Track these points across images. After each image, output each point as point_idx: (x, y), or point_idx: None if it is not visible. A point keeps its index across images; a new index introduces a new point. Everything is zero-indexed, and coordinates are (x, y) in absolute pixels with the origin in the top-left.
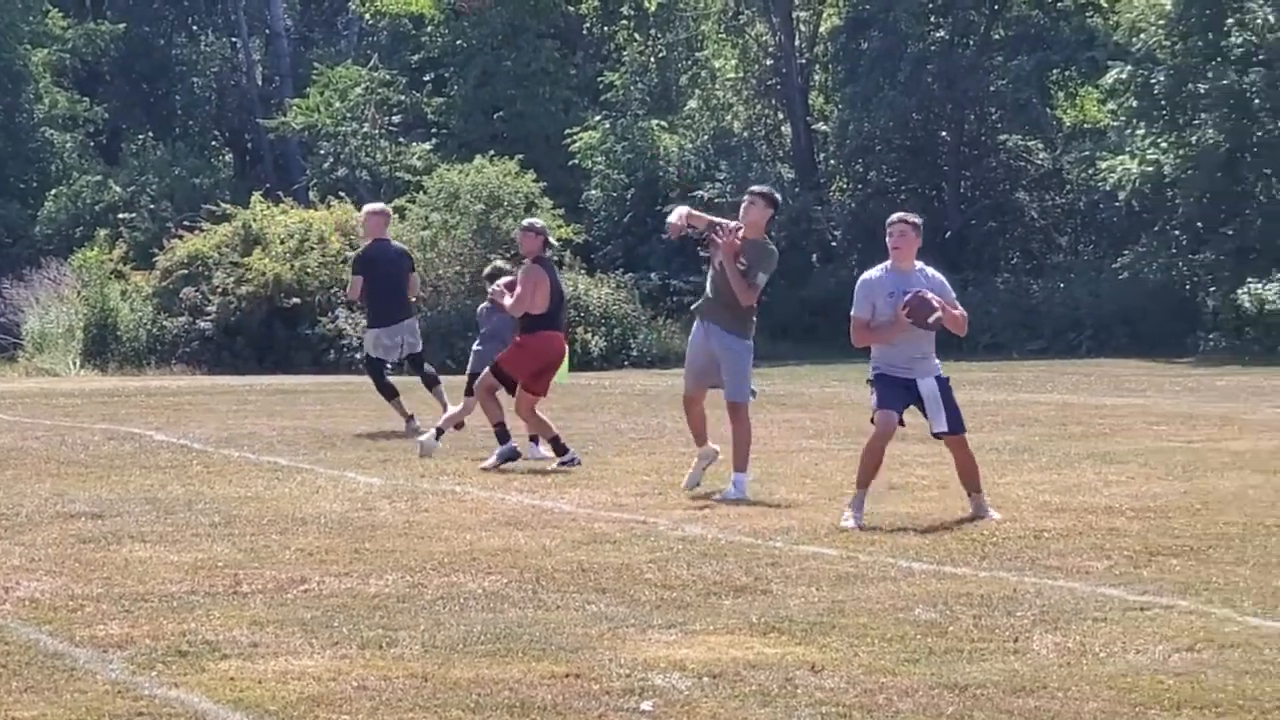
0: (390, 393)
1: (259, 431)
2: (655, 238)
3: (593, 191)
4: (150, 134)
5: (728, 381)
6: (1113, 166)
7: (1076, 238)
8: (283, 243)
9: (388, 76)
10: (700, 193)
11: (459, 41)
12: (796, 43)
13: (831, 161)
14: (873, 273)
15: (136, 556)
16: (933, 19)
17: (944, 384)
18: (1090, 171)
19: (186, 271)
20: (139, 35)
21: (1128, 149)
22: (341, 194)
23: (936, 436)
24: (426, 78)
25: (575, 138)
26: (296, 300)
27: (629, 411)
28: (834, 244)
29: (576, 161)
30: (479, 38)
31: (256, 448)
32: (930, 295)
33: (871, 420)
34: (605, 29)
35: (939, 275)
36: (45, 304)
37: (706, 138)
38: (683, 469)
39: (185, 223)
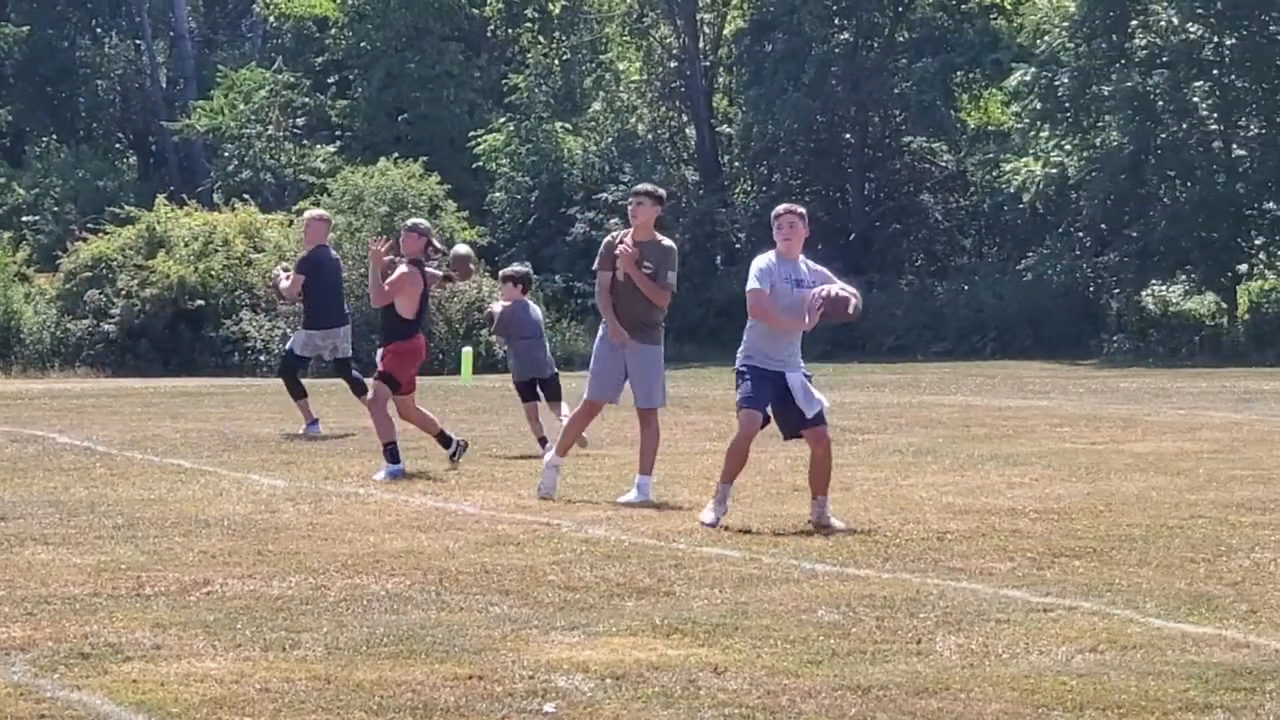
0: (300, 393)
1: (163, 434)
2: (559, 240)
3: (497, 194)
4: (54, 136)
5: (640, 389)
6: (1017, 169)
7: (981, 240)
8: (187, 245)
9: (292, 79)
10: (604, 195)
11: (363, 44)
12: (701, 45)
13: (736, 164)
14: (765, 257)
15: (39, 559)
16: (837, 21)
17: (809, 379)
18: (994, 174)
19: (91, 274)
20: (42, 37)
21: (1031, 151)
22: (246, 196)
23: (797, 435)
24: (330, 80)
25: (479, 140)
26: (201, 303)
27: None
28: (738, 246)
29: (481, 164)
30: (383, 40)
31: (160, 450)
32: (836, 290)
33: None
34: (509, 31)
35: (820, 266)
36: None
37: (611, 140)
38: (585, 471)
39: (89, 225)
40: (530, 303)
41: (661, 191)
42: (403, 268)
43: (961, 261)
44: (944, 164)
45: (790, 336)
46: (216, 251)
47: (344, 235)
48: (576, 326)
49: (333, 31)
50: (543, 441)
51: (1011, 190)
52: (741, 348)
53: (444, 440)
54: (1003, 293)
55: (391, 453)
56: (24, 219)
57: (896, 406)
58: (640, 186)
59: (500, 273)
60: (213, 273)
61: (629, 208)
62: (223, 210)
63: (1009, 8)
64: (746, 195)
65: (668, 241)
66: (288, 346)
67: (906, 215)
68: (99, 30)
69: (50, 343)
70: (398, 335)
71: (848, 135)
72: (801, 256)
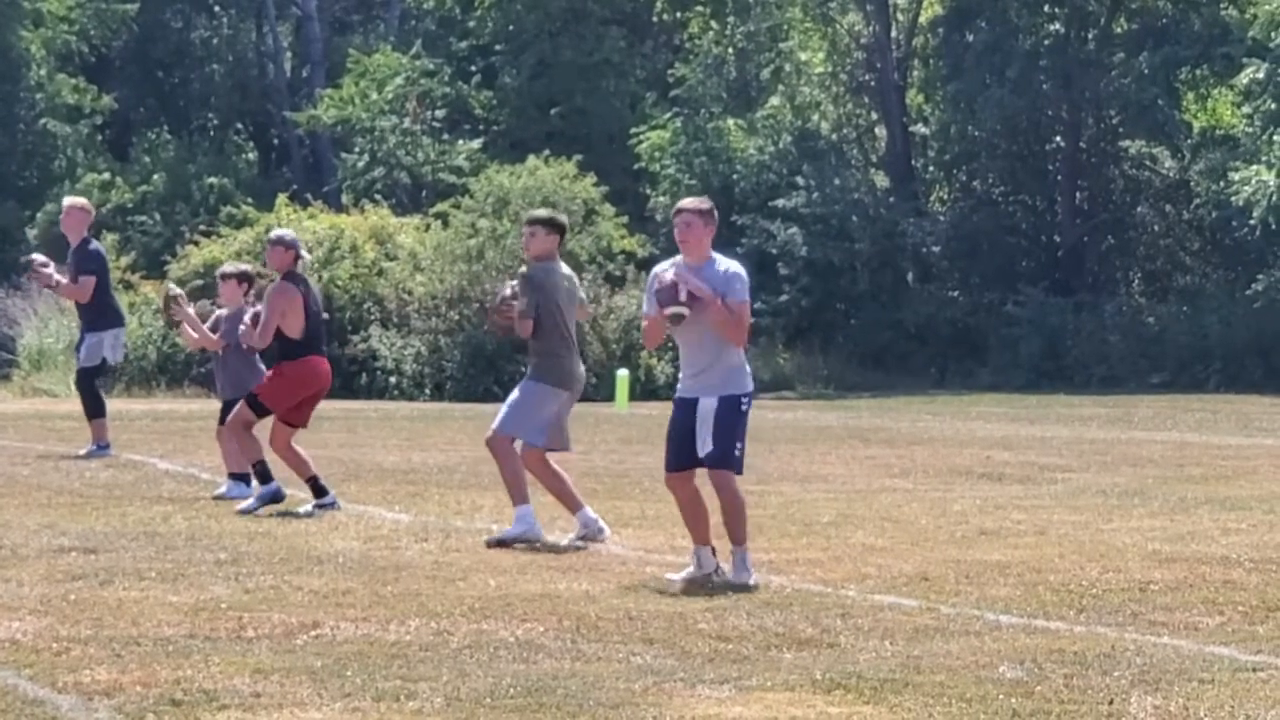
0: (102, 409)
1: (275, 462)
2: (730, 252)
3: (660, 198)
4: (164, 128)
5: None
6: (1246, 178)
7: (1205, 258)
8: (310, 251)
9: (431, 66)
10: (781, 202)
11: (512, 27)
12: (893, 34)
13: (931, 169)
14: (662, 265)
15: (130, 596)
16: (1047, 9)
17: (729, 405)
18: (1222, 184)
19: (202, 282)
20: (153, 17)
21: (1264, 158)
22: (377, 197)
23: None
24: (475, 68)
25: (642, 137)
26: (325, 316)
27: None
28: (932, 261)
29: (643, 164)
30: (534, 23)
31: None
32: (692, 285)
33: None
34: (677, 15)
35: (735, 269)
36: (44, 317)
37: (789, 140)
38: (751, 508)
39: (201, 227)
40: None
41: (563, 219)
42: (273, 283)
43: (1184, 282)
44: (1165, 171)
45: (690, 353)
46: (344, 258)
47: (488, 242)
48: (751, 349)
49: (478, 13)
50: None
51: (1240, 203)
52: None
53: (317, 489)
54: (1230, 319)
55: (262, 473)
56: (129, 219)
57: (1103, 443)
58: (535, 213)
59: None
60: (339, 282)
61: (523, 237)
62: (351, 212)
63: None
64: (942, 204)
65: (568, 271)
66: (89, 358)
67: (1122, 229)
68: (216, 9)
69: (156, 358)
70: (283, 355)
71: (1057, 138)
72: (717, 257)
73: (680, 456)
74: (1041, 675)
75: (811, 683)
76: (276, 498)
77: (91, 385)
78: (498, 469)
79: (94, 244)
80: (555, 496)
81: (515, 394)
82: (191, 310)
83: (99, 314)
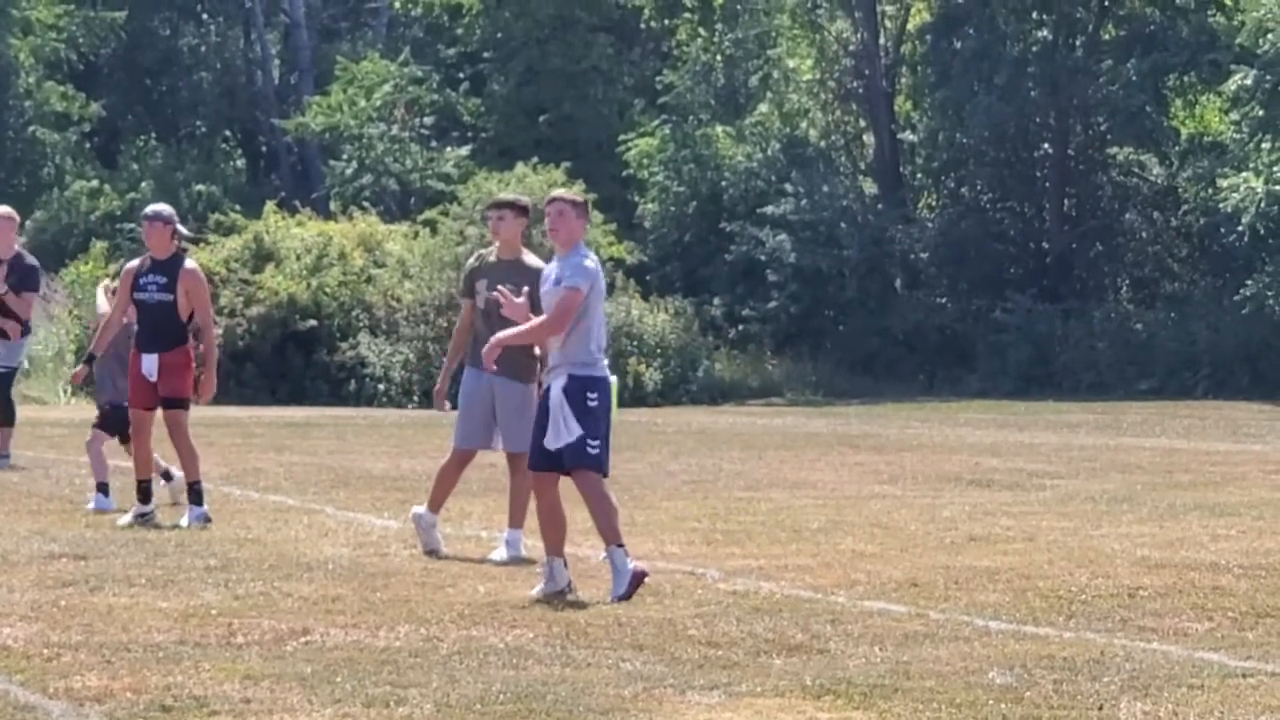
0: (12, 417)
1: (265, 468)
2: (719, 259)
3: (649, 205)
4: (152, 135)
5: (509, 431)
6: (1235, 185)
7: (1193, 265)
8: (299, 258)
9: (419, 73)
10: (770, 209)
11: (500, 34)
12: (881, 40)
13: (919, 176)
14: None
15: (120, 603)
16: (1035, 15)
17: (571, 391)
18: (1210, 190)
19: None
20: (141, 25)
21: (1252, 165)
22: (365, 204)
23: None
24: (463, 75)
25: (630, 144)
26: (313, 323)
27: (681, 451)
28: (920, 268)
29: (631, 171)
30: (522, 30)
31: (261, 486)
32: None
33: None
34: (665, 22)
35: (544, 265)
36: (33, 325)
37: (778, 147)
38: (741, 515)
39: (190, 235)
40: None
41: (525, 201)
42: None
43: (1171, 289)
44: (1153, 178)
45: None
46: (332, 265)
47: (477, 249)
48: (738, 355)
49: (466, 20)
50: None
51: (1228, 209)
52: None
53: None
54: (1218, 325)
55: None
56: (118, 227)
57: (1092, 449)
58: (500, 197)
59: None
60: (327, 290)
61: (489, 223)
62: (339, 219)
63: (1229, 3)
64: (930, 211)
65: (535, 261)
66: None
67: (1110, 236)
68: (204, 16)
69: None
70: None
71: (1045, 145)
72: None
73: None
74: (1031, 681)
75: (801, 689)
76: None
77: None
78: (514, 489)
79: (29, 256)
80: (513, 502)
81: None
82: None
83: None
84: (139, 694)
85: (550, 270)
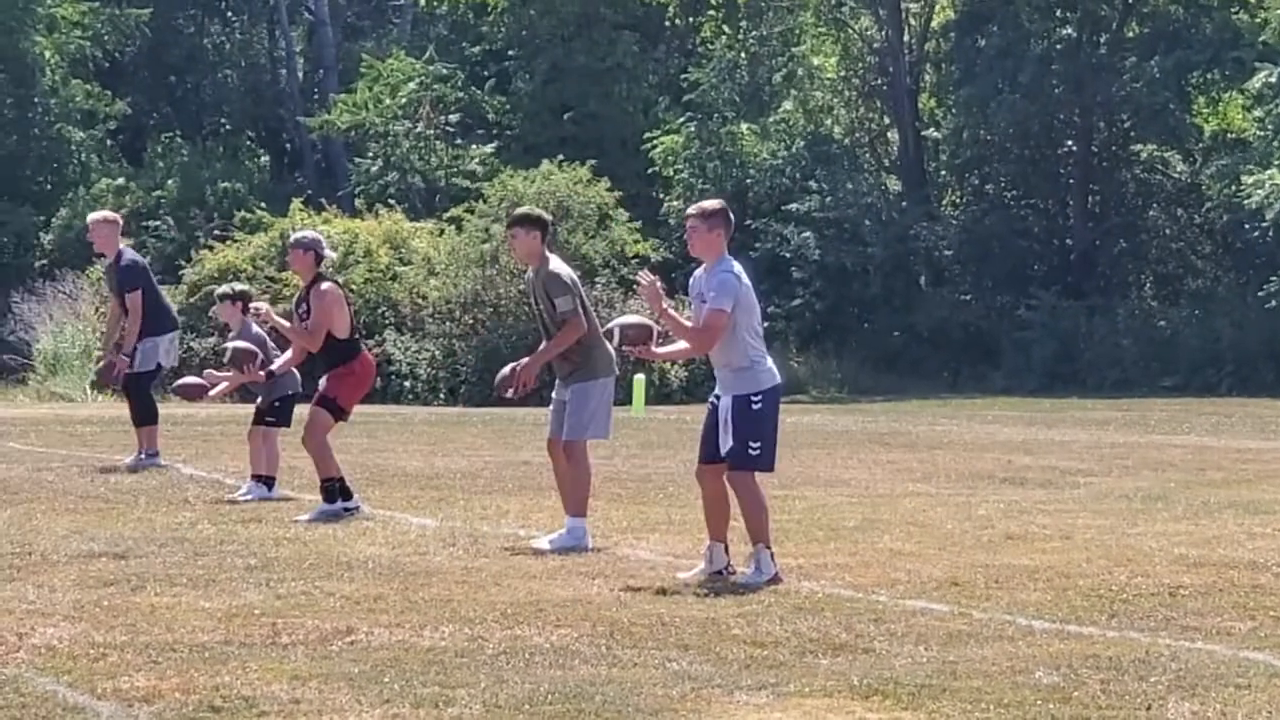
0: (154, 415)
1: (299, 466)
2: (744, 256)
3: (674, 202)
4: (178, 132)
5: (570, 421)
6: (1259, 181)
7: (1217, 262)
8: (335, 248)
9: (445, 70)
10: (795, 206)
11: (525, 32)
12: (905, 38)
13: (943, 172)
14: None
15: (163, 602)
16: (1059, 13)
17: (740, 404)
18: (1233, 187)
19: (217, 287)
20: (166, 22)
21: (1275, 162)
22: (391, 202)
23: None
24: (488, 72)
25: (655, 142)
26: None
27: None
28: (944, 265)
29: (656, 169)
30: (547, 28)
31: (296, 484)
32: (651, 301)
33: None
34: (690, 20)
35: (721, 277)
36: (59, 321)
37: (802, 144)
38: (776, 513)
39: (216, 232)
40: None
41: (537, 213)
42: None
43: (1195, 286)
44: (1177, 175)
45: (713, 353)
46: (358, 263)
47: (501, 247)
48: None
49: (491, 18)
50: None
51: (1252, 206)
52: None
53: (333, 492)
54: (1242, 322)
55: (329, 490)
56: (144, 224)
57: (1123, 447)
58: (513, 214)
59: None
60: (353, 287)
61: (508, 245)
62: (365, 217)
63: (1252, 1)
64: (954, 208)
65: (554, 267)
66: (143, 364)
67: (1134, 233)
68: (229, 14)
69: (177, 361)
70: (342, 356)
71: (1069, 142)
72: (728, 261)
73: (706, 450)
74: (1078, 680)
75: (849, 688)
76: (336, 517)
77: (145, 391)
78: (570, 475)
79: (128, 255)
80: (564, 491)
81: (579, 398)
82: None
83: (152, 318)
84: (187, 694)
85: (697, 282)
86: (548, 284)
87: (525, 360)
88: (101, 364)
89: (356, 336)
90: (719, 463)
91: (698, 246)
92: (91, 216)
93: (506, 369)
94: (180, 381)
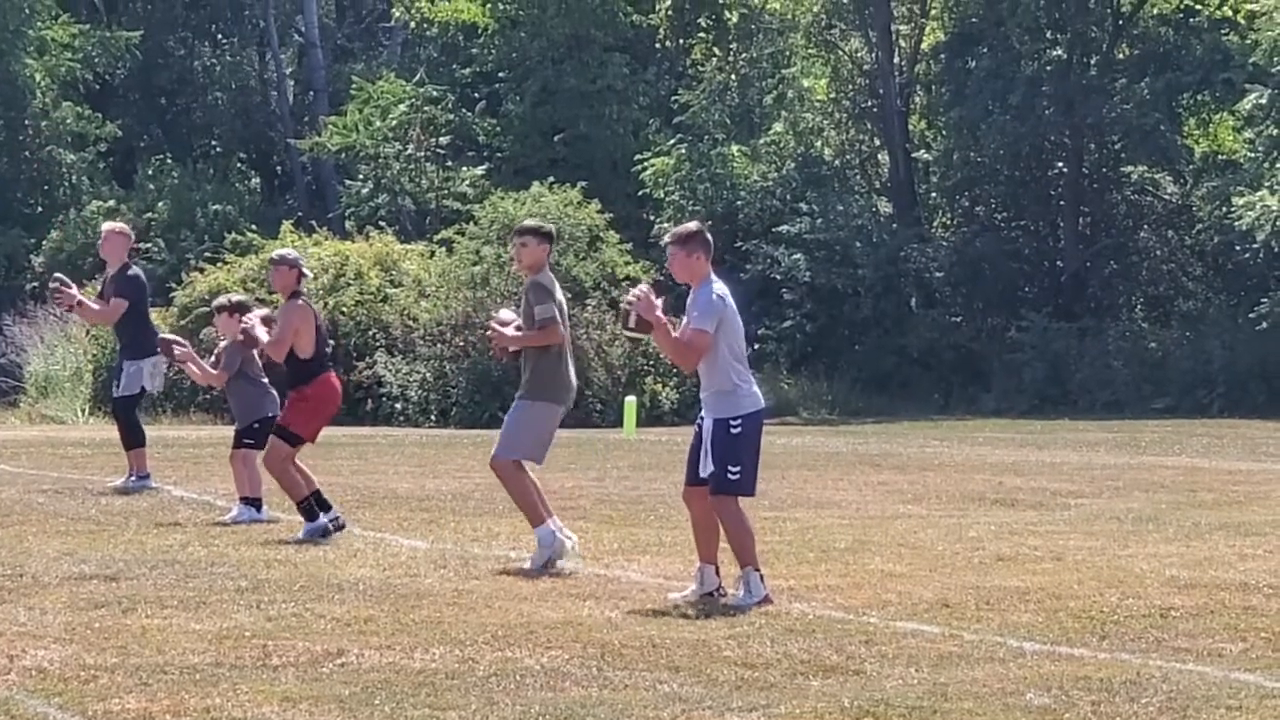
0: (141, 438)
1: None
2: (735, 277)
3: (665, 224)
4: (168, 155)
5: (500, 437)
6: (1250, 203)
7: (1208, 283)
8: (315, 278)
9: (435, 93)
10: (785, 227)
11: (515, 54)
12: (896, 60)
13: (933, 194)
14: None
15: (154, 624)
16: (1049, 35)
17: (719, 428)
18: (1224, 209)
19: (207, 309)
20: (157, 45)
21: (1266, 184)
22: (382, 224)
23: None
24: (478, 95)
25: (646, 164)
26: (331, 343)
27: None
28: (935, 286)
29: (647, 190)
30: (538, 50)
31: (286, 506)
32: (640, 309)
33: None
34: (680, 42)
35: (706, 297)
36: (50, 344)
37: (792, 166)
38: (767, 535)
39: (206, 254)
40: None
41: (549, 228)
42: (284, 302)
43: (1186, 307)
44: (1167, 197)
45: (699, 374)
46: (348, 285)
47: (492, 269)
48: (754, 375)
49: (481, 40)
50: None
51: (1243, 227)
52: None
53: (312, 509)
54: (1233, 343)
55: (307, 509)
56: (134, 247)
57: (1113, 468)
58: (525, 223)
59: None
60: (344, 309)
61: (513, 248)
62: (356, 239)
63: (1242, 22)
64: (945, 229)
65: (543, 278)
66: (128, 387)
67: (1125, 254)
68: (219, 37)
69: (162, 385)
70: (301, 379)
71: (1060, 163)
72: (713, 281)
73: (691, 473)
74: (1069, 702)
75: (840, 710)
76: (325, 533)
77: (131, 414)
78: (508, 494)
79: (134, 269)
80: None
81: (514, 415)
82: (188, 346)
83: (137, 341)
84: (178, 716)
85: (690, 302)
86: (533, 290)
87: (509, 330)
88: (54, 287)
89: (325, 360)
90: (703, 485)
91: (681, 273)
92: (106, 225)
93: (496, 322)
94: (164, 336)
